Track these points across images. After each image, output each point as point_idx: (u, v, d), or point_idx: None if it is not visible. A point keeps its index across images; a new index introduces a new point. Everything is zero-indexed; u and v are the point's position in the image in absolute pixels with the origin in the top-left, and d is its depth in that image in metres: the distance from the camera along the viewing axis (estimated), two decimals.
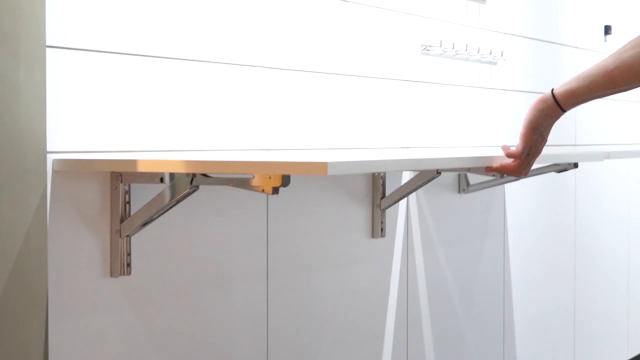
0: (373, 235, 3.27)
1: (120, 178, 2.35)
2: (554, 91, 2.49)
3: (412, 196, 3.47)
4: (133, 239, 2.39)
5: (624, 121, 5.19)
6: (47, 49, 2.19)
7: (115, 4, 2.38)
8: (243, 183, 2.19)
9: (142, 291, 2.44)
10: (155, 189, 2.36)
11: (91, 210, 2.32)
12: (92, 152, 2.32)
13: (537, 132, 2.51)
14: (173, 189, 2.29)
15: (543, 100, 2.50)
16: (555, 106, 2.49)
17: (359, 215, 3.21)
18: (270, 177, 2.14)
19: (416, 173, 3.27)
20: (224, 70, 2.69)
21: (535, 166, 3.59)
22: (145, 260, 2.44)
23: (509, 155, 2.60)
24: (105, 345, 2.36)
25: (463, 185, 3.75)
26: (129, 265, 2.38)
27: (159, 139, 2.50)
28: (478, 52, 3.80)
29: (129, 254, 2.38)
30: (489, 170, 2.68)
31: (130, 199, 2.38)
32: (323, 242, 3.05)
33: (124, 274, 2.38)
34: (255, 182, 2.16)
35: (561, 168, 3.55)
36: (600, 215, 4.96)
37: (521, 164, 2.58)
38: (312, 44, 3.01)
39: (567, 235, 4.63)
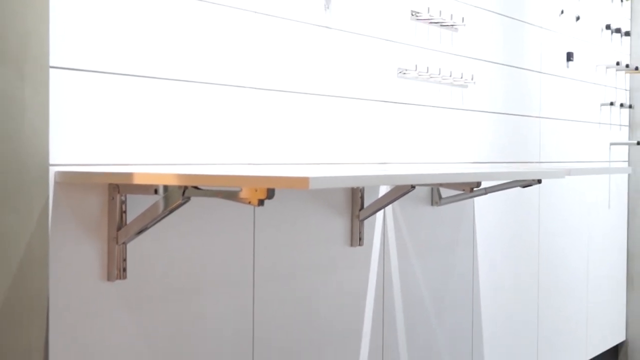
0: (352, 244, 3.27)
1: (117, 189, 2.34)
2: None
3: (389, 208, 3.47)
4: (129, 246, 2.38)
5: (584, 141, 5.21)
6: (51, 70, 2.19)
7: (114, 29, 2.38)
8: (231, 195, 2.19)
9: (136, 294, 2.43)
10: (150, 199, 2.35)
11: (90, 219, 2.31)
12: (92, 165, 2.31)
13: None
14: (166, 200, 2.28)
15: None
16: None
17: (339, 225, 3.21)
18: (256, 190, 2.13)
19: (392, 187, 3.27)
20: (214, 90, 2.69)
21: (502, 182, 3.60)
22: (140, 266, 2.43)
23: None
24: (102, 344, 2.35)
25: (435, 199, 3.75)
26: (124, 270, 2.37)
27: (153, 153, 2.49)
28: (450, 75, 3.80)
29: (124, 260, 2.37)
30: None
31: (126, 208, 2.36)
32: (306, 250, 3.05)
33: (120, 278, 2.36)
34: (242, 194, 2.16)
35: (526, 183, 3.56)
36: (562, 227, 4.97)
37: None
38: (296, 67, 3.01)
39: (531, 245, 4.64)
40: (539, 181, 3.54)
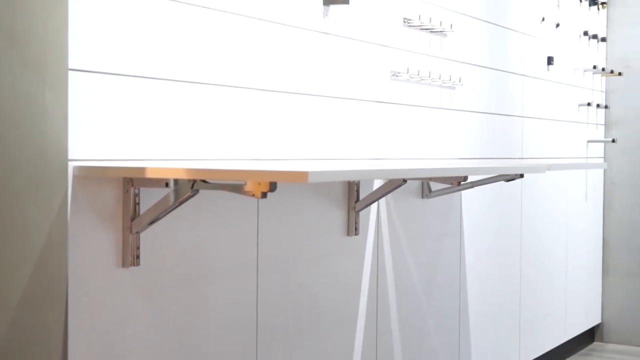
0: (348, 234, 3.27)
1: (131, 183, 2.35)
2: None
3: (382, 200, 3.47)
4: (142, 235, 2.39)
5: (563, 138, 5.22)
6: (69, 72, 2.19)
7: (129, 34, 2.38)
8: (236, 188, 2.19)
9: (148, 279, 2.44)
10: (161, 192, 2.36)
11: (106, 210, 2.31)
12: (108, 160, 2.32)
13: None
14: (176, 192, 2.28)
15: None
16: None
17: (337, 216, 3.21)
18: (259, 184, 2.14)
19: (385, 181, 3.27)
20: (221, 92, 2.69)
21: (487, 176, 3.61)
22: (152, 254, 2.44)
23: None
24: (117, 325, 2.35)
25: (426, 192, 3.75)
26: (138, 257, 2.38)
27: (165, 149, 2.49)
28: (439, 78, 3.81)
29: (138, 248, 2.37)
30: None
31: (139, 200, 2.37)
32: (305, 239, 3.05)
33: (133, 265, 2.37)
34: (247, 187, 2.16)
35: (509, 178, 3.56)
36: (542, 218, 4.98)
37: None
38: (297, 70, 3.01)
39: (514, 235, 4.65)
40: (522, 176, 3.54)
